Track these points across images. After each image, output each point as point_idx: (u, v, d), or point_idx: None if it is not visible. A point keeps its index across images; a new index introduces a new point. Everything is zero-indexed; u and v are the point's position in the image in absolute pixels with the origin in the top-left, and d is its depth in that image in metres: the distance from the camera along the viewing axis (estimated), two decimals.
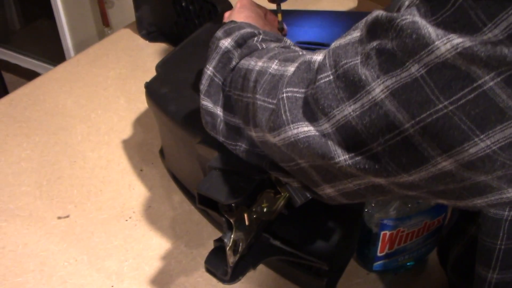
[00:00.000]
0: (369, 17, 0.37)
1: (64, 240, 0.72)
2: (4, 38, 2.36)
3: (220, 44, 0.53)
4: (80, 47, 1.94)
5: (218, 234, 0.68)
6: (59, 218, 0.76)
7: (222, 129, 0.53)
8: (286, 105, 0.41)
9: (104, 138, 0.89)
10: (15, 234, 0.73)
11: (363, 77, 0.35)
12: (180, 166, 0.77)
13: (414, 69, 0.32)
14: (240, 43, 0.53)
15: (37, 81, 1.04)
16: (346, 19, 0.82)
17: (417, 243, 0.65)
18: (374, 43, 0.34)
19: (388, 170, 0.36)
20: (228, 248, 0.62)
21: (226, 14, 0.69)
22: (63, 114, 0.95)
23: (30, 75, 2.01)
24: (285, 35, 0.76)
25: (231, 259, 0.63)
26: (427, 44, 0.31)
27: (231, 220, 0.55)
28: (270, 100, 0.43)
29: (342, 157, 0.38)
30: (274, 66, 0.46)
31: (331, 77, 0.37)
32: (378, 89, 0.34)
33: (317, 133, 0.39)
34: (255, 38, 0.54)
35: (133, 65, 1.07)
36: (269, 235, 0.63)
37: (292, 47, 0.55)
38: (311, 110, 0.39)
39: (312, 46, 0.75)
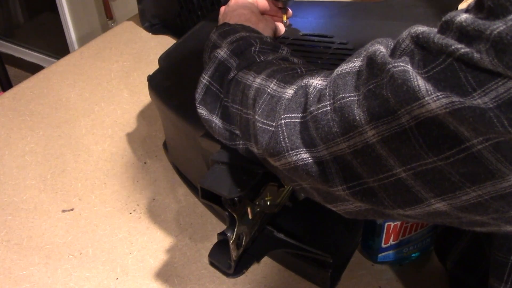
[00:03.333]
0: (370, 49, 0.36)
1: (68, 233, 0.72)
2: (8, 32, 2.36)
3: (216, 54, 0.53)
4: (83, 40, 1.93)
5: (222, 227, 0.68)
6: (64, 211, 0.76)
7: (220, 132, 0.53)
8: (285, 131, 0.41)
9: (107, 131, 0.89)
10: (20, 227, 0.73)
11: (357, 117, 0.35)
12: (184, 159, 0.77)
13: (405, 119, 0.32)
14: (237, 53, 0.53)
15: (40, 75, 1.04)
16: (350, 10, 0.82)
17: (422, 234, 0.64)
18: (371, 84, 0.34)
19: (385, 204, 0.37)
20: (231, 242, 0.62)
21: (222, 9, 0.68)
22: (67, 108, 0.95)
23: (34, 69, 2.01)
24: (290, 25, 0.76)
25: (235, 253, 0.63)
26: (417, 97, 0.30)
27: (234, 214, 0.55)
28: (269, 123, 0.44)
29: (339, 186, 0.38)
30: (272, 86, 0.46)
31: (328, 108, 0.37)
32: (370, 132, 0.34)
33: (315, 160, 0.39)
34: (252, 49, 0.53)
35: (136, 57, 1.07)
36: (273, 228, 0.63)
37: (289, 57, 0.54)
38: (310, 136, 0.40)
39: (316, 37, 0.75)
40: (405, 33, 0.34)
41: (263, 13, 0.71)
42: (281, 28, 0.73)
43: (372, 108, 0.33)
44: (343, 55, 0.71)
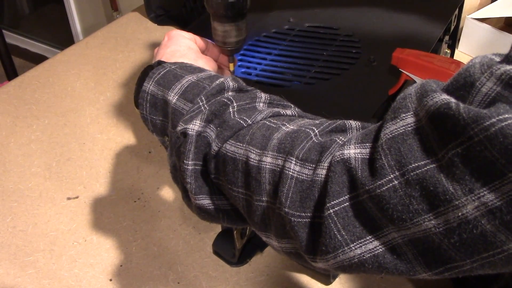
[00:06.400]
0: (429, 101, 0.31)
1: (73, 221, 0.73)
2: (13, 22, 2.36)
3: (188, 130, 0.45)
4: (88, 32, 1.93)
5: None
6: (69, 198, 0.76)
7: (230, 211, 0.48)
8: (338, 223, 0.35)
9: (112, 121, 0.90)
10: (25, 214, 0.74)
11: (450, 189, 0.29)
12: None
13: None
14: (210, 119, 0.45)
15: (46, 64, 1.04)
16: (356, 2, 0.82)
17: None
18: (457, 147, 0.29)
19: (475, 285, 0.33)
20: (235, 231, 0.62)
21: (155, 51, 0.60)
22: (72, 97, 0.95)
23: (39, 60, 2.02)
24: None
25: (239, 242, 0.64)
26: None
27: None
28: (307, 214, 0.37)
29: (423, 273, 0.33)
30: (293, 167, 0.38)
31: (396, 182, 0.32)
32: (471, 205, 0.29)
33: (386, 248, 0.34)
34: (230, 110, 0.45)
35: (141, 48, 1.07)
36: None
37: (280, 110, 0.46)
38: (369, 219, 0.34)
39: (321, 29, 0.75)
40: (476, 73, 0.30)
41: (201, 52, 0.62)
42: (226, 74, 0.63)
43: (469, 175, 0.28)
44: (349, 47, 0.71)
